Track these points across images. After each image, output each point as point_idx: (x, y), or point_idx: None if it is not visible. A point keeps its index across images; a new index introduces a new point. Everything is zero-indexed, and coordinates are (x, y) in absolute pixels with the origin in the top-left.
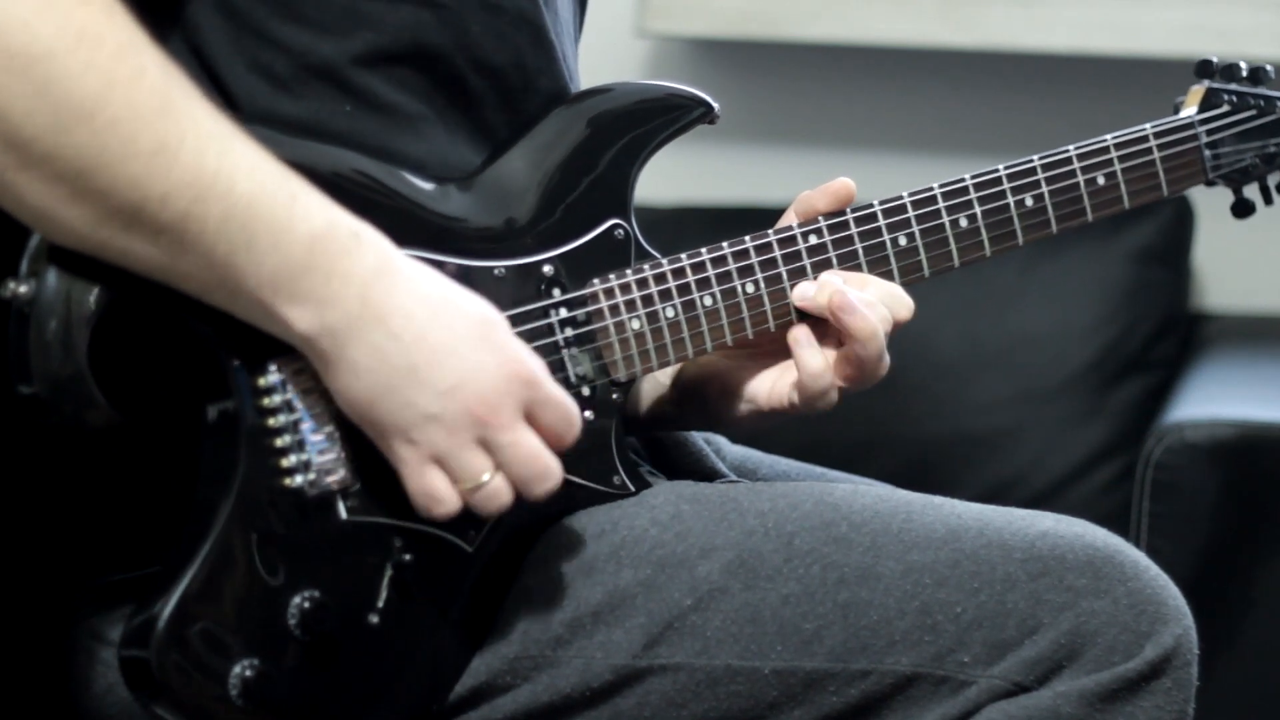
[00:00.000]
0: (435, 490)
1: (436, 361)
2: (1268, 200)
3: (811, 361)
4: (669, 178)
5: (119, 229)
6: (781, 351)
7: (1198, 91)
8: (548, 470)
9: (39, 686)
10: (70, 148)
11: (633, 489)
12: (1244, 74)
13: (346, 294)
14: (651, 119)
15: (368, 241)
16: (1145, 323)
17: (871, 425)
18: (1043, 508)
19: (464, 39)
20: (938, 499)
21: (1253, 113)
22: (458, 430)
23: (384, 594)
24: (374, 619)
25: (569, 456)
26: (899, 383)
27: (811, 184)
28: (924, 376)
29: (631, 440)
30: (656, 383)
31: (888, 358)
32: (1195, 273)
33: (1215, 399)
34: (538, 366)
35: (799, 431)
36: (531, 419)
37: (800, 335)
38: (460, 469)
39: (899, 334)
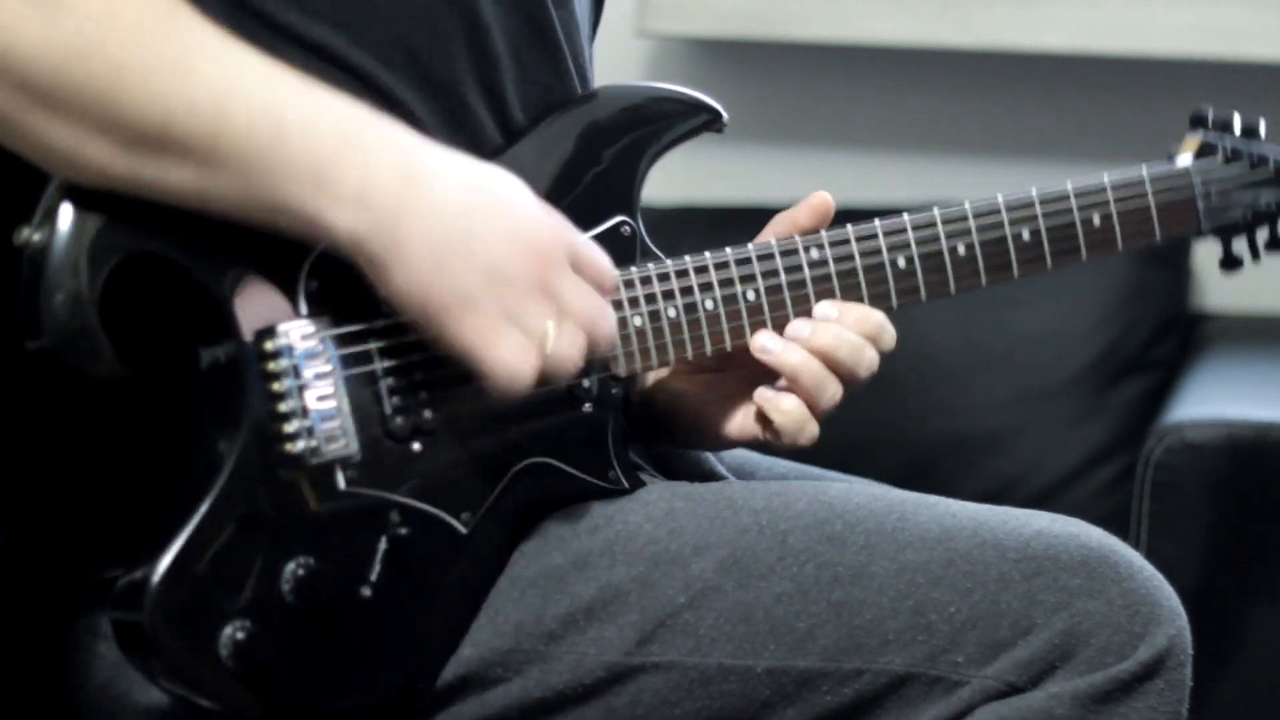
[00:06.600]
0: (516, 352)
1: (488, 219)
2: (1255, 257)
3: (784, 406)
4: (669, 178)
5: (149, 155)
6: (750, 381)
7: (1192, 141)
8: (603, 307)
9: (36, 681)
10: (87, 75)
11: (626, 485)
12: (1237, 127)
13: (385, 171)
14: (661, 119)
15: (391, 123)
16: (1145, 323)
17: (871, 425)
18: (1042, 508)
19: (474, 28)
20: (932, 498)
21: (1245, 166)
22: (522, 281)
23: (377, 567)
24: (366, 591)
25: (566, 449)
26: (899, 383)
27: (811, 184)
28: (924, 377)
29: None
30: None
31: (837, 388)
32: (1195, 273)
33: (1215, 399)
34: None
35: None
36: (574, 268)
37: (764, 392)
38: (532, 321)
39: (898, 334)
